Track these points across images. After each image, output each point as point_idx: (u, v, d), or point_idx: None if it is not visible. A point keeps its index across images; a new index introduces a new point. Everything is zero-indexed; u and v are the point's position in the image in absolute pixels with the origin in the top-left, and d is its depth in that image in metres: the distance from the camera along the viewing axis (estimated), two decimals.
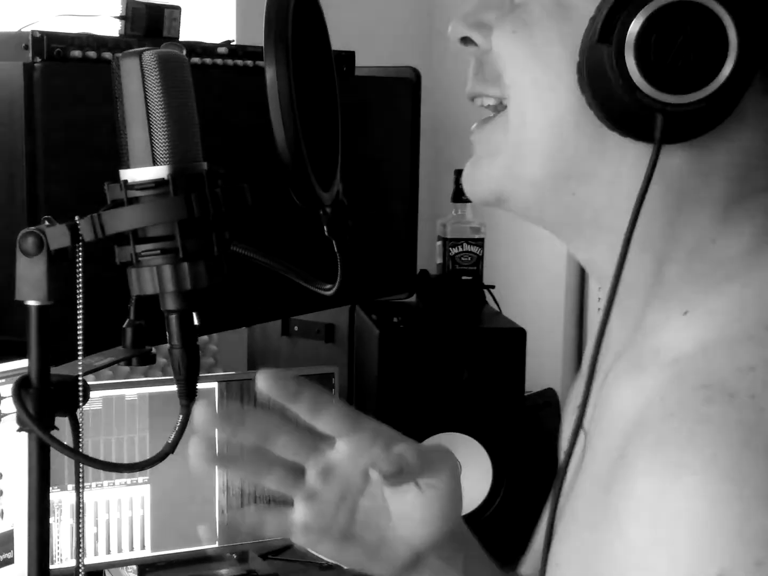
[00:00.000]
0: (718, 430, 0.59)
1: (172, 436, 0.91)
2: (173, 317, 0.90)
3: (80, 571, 0.93)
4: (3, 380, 1.48)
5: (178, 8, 1.54)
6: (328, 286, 1.05)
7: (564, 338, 2.38)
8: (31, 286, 0.90)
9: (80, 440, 0.93)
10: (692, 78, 0.64)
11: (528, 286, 2.47)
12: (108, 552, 1.78)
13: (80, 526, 0.95)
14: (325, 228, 0.98)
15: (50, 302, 0.91)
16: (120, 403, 1.76)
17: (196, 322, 0.91)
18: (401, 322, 1.97)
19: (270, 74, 0.86)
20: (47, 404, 0.92)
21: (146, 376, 1.90)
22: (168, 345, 0.92)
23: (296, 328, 2.18)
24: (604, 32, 0.65)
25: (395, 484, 0.87)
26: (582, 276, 2.35)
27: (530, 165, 0.73)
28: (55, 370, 0.94)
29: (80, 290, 0.91)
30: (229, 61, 1.58)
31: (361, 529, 0.89)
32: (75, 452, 0.92)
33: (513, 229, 2.37)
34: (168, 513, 1.81)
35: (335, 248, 1.01)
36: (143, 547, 1.80)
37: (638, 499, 0.61)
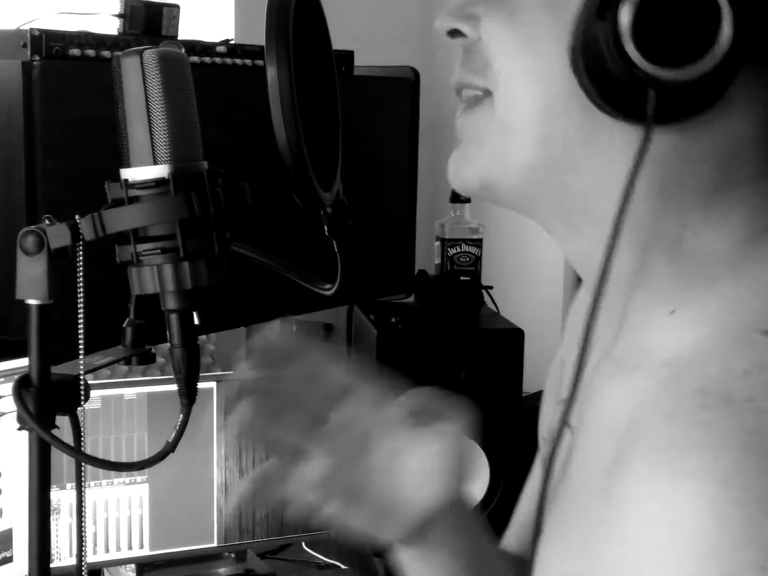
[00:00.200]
0: (717, 434, 0.59)
1: (173, 435, 0.91)
2: (174, 317, 0.90)
3: (83, 570, 0.93)
4: (2, 379, 1.48)
5: (176, 6, 1.54)
6: (328, 286, 1.05)
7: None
8: (31, 285, 0.90)
9: (82, 439, 0.93)
10: (687, 53, 0.64)
11: (526, 287, 2.47)
12: (107, 551, 1.78)
13: (82, 525, 0.95)
14: (325, 228, 0.98)
15: (50, 301, 0.91)
16: (119, 402, 1.76)
17: (196, 321, 0.91)
18: (399, 322, 1.97)
19: (271, 74, 0.86)
20: (48, 403, 0.92)
21: (145, 376, 1.90)
22: (167, 344, 0.92)
23: (295, 327, 2.18)
24: (602, 8, 0.65)
25: (410, 426, 0.85)
26: (580, 277, 2.35)
27: (519, 151, 0.73)
28: (54, 369, 0.94)
29: (81, 289, 0.91)
30: (228, 60, 1.58)
31: (370, 487, 0.86)
32: (76, 451, 0.92)
33: (511, 230, 2.37)
34: (166, 512, 1.81)
35: (335, 248, 1.01)
36: (142, 546, 1.80)
37: (639, 505, 0.60)
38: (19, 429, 0.92)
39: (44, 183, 1.33)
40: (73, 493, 1.67)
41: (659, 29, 0.64)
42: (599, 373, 0.75)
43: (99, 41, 1.39)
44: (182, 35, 1.56)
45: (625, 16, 0.64)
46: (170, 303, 0.89)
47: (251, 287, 1.55)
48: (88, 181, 1.20)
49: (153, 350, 1.04)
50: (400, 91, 1.94)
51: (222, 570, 1.91)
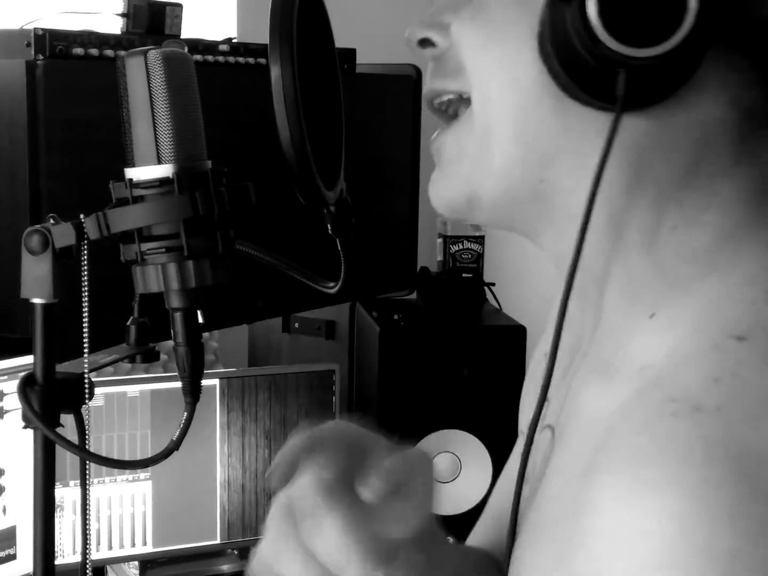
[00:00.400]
0: (683, 444, 0.58)
1: (177, 434, 0.91)
2: (178, 315, 0.90)
3: (87, 567, 0.94)
4: (6, 377, 1.49)
5: (179, 5, 1.54)
6: (332, 284, 1.05)
7: None
8: (36, 284, 0.90)
9: (87, 437, 0.94)
10: (654, 31, 0.64)
11: (528, 284, 2.47)
12: (110, 548, 1.79)
13: (86, 522, 0.96)
14: (329, 226, 0.98)
15: (55, 300, 0.91)
16: (122, 399, 1.76)
17: (200, 320, 0.91)
18: (402, 319, 1.97)
19: (275, 73, 0.86)
20: (52, 401, 0.92)
21: (148, 373, 1.90)
22: (170, 342, 0.92)
23: (297, 325, 2.19)
24: None
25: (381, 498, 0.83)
26: None
27: (498, 151, 0.72)
28: (59, 367, 0.95)
29: (85, 288, 0.91)
30: (231, 59, 1.58)
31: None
32: (81, 449, 0.93)
33: None
34: (169, 509, 1.82)
35: (339, 247, 1.01)
36: (145, 543, 1.81)
37: (604, 516, 0.60)
38: (24, 427, 0.93)
39: (48, 182, 1.33)
40: (77, 490, 1.67)
41: (625, 8, 0.64)
42: (580, 375, 0.75)
43: (102, 40, 1.40)
44: (185, 34, 1.56)
45: None
46: (174, 302, 0.90)
47: (254, 285, 1.55)
48: (91, 180, 1.20)
49: (156, 348, 1.04)
50: (402, 88, 1.94)
51: (225, 567, 1.92)
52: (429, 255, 2.20)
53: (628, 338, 0.70)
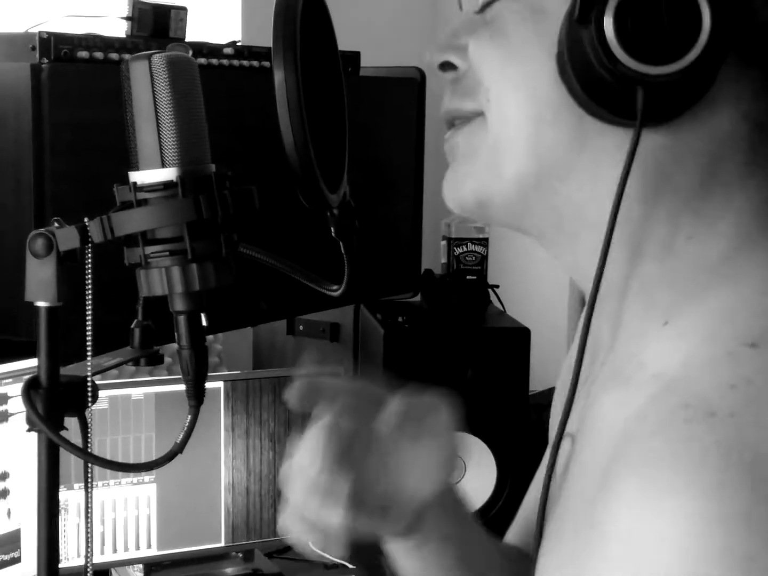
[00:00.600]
0: (698, 450, 0.59)
1: (181, 436, 0.91)
2: (182, 318, 0.90)
3: (88, 570, 0.94)
4: (10, 380, 1.49)
5: (184, 9, 1.55)
6: (335, 287, 1.06)
7: (568, 338, 2.38)
8: (40, 287, 0.90)
9: (89, 440, 0.94)
10: (670, 49, 0.65)
11: (532, 286, 2.48)
12: (114, 551, 1.79)
13: (89, 525, 0.96)
14: (332, 229, 0.99)
15: (59, 303, 0.91)
16: (126, 402, 1.77)
17: (204, 323, 0.91)
18: (406, 321, 1.97)
19: (278, 78, 0.87)
20: (56, 404, 0.92)
21: (152, 376, 1.90)
22: (174, 344, 0.92)
23: (301, 327, 2.19)
24: (583, 12, 0.67)
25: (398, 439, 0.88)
26: None
27: (512, 162, 0.74)
28: (63, 370, 0.95)
29: (89, 291, 0.92)
30: (235, 62, 1.58)
31: (370, 487, 0.87)
32: (84, 452, 0.93)
33: None
34: (174, 512, 1.82)
35: (342, 249, 1.01)
36: (149, 546, 1.81)
37: (621, 520, 0.60)
38: (29, 431, 0.93)
39: (52, 185, 1.34)
40: (81, 492, 1.67)
41: (641, 28, 0.66)
42: (598, 383, 0.75)
43: (107, 44, 1.40)
44: (189, 37, 1.56)
45: (608, 18, 0.66)
46: (178, 305, 0.90)
47: (258, 287, 1.55)
48: (96, 183, 1.20)
49: (161, 351, 1.04)
50: (407, 91, 1.94)
51: (229, 570, 1.92)
52: (433, 257, 2.20)
53: (641, 346, 0.71)
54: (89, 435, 0.95)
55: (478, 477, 1.94)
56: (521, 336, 1.96)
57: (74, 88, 1.36)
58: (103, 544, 1.78)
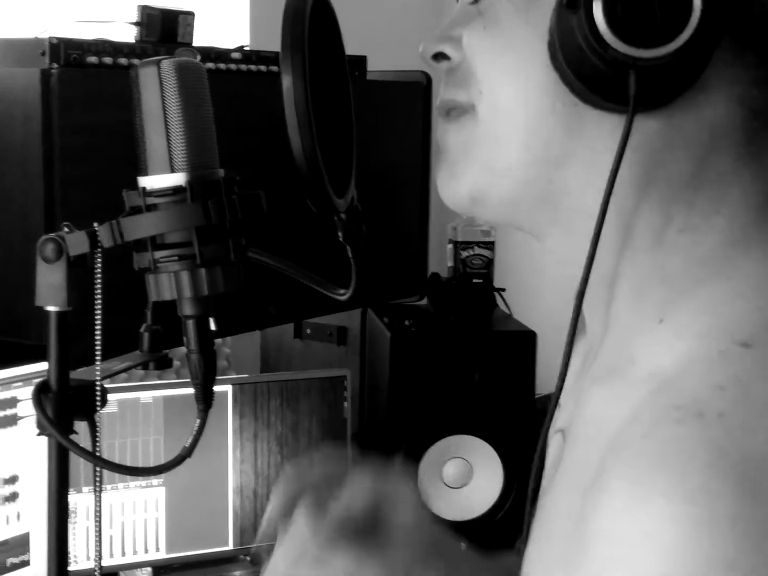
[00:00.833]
0: (686, 450, 0.59)
1: (190, 440, 0.92)
2: (190, 323, 0.91)
3: (97, 573, 0.95)
4: (20, 383, 1.50)
5: (192, 14, 1.55)
6: (343, 291, 1.06)
7: None
8: (50, 292, 0.91)
9: (98, 444, 0.94)
10: (661, 31, 0.65)
11: (538, 289, 2.48)
12: (123, 554, 1.79)
13: (98, 528, 0.96)
14: (339, 234, 0.99)
15: (69, 308, 0.92)
16: (135, 405, 1.77)
17: (213, 327, 0.92)
18: (413, 325, 1.98)
19: (286, 83, 0.87)
20: (66, 409, 0.93)
21: (161, 379, 1.91)
22: (183, 348, 0.93)
23: (308, 330, 2.19)
24: None
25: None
26: None
27: (507, 154, 0.74)
28: (72, 375, 0.96)
29: (99, 295, 0.92)
30: (243, 66, 1.59)
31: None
32: (94, 456, 0.93)
33: (524, 233, 2.37)
34: (182, 515, 1.82)
35: (350, 254, 1.02)
36: (158, 549, 1.82)
37: (607, 518, 0.61)
38: (39, 435, 0.93)
39: (62, 190, 1.34)
40: (90, 496, 1.68)
41: (631, 11, 0.65)
42: (587, 377, 0.76)
43: (116, 49, 1.41)
44: (197, 42, 1.57)
45: (597, 3, 0.65)
46: (187, 309, 0.90)
47: (266, 291, 1.56)
48: (105, 188, 1.21)
49: (169, 355, 1.05)
50: (413, 95, 1.95)
51: (237, 573, 1.92)
52: (439, 261, 2.20)
53: (635, 342, 0.71)
54: (98, 439, 0.95)
55: (485, 480, 1.94)
56: (528, 339, 1.96)
57: (84, 93, 1.37)
58: (111, 547, 1.78)
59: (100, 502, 0.96)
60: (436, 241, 2.11)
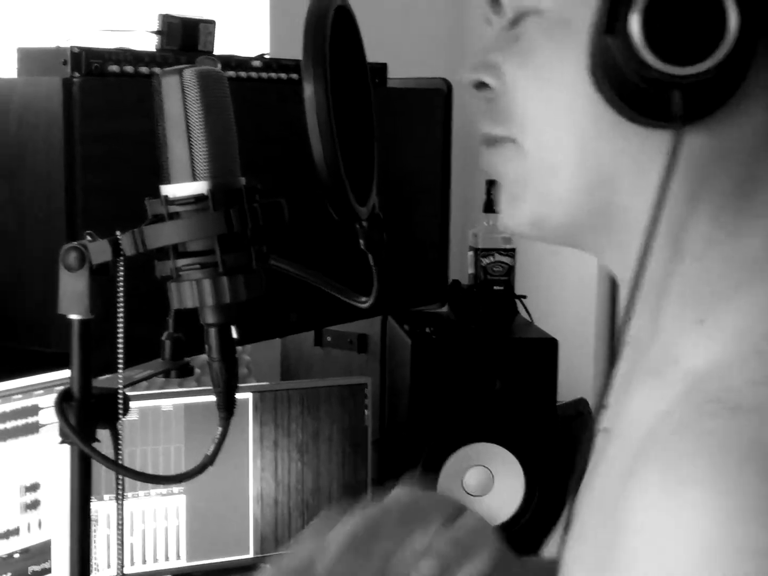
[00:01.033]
0: (720, 443, 0.60)
1: (212, 449, 0.92)
2: (212, 330, 0.91)
3: None
4: (42, 391, 1.50)
5: (212, 22, 1.56)
6: (364, 299, 1.06)
7: (596, 348, 2.37)
8: (73, 300, 0.91)
9: (120, 452, 0.95)
10: (700, 47, 0.66)
11: (559, 296, 2.47)
12: (144, 562, 1.79)
13: (120, 536, 0.96)
14: (361, 242, 0.99)
15: (92, 316, 0.92)
16: (156, 413, 1.77)
17: (234, 335, 0.92)
18: (433, 332, 1.97)
19: (308, 92, 0.87)
20: (89, 417, 0.93)
21: (181, 387, 1.91)
22: (204, 356, 0.93)
23: (329, 338, 2.19)
24: (610, 22, 0.67)
25: None
26: (613, 286, 2.35)
27: (559, 183, 0.75)
28: (94, 383, 0.96)
29: (121, 304, 0.92)
30: (264, 74, 1.59)
31: None
32: (117, 464, 0.93)
33: None
34: (203, 523, 1.82)
35: (371, 262, 1.02)
36: (179, 557, 1.82)
37: (641, 511, 0.61)
38: (61, 443, 0.93)
39: (84, 198, 1.35)
40: (111, 504, 1.68)
41: (669, 30, 0.66)
42: (633, 379, 0.76)
43: (137, 58, 1.41)
44: (218, 50, 1.57)
45: (635, 25, 0.66)
46: (209, 317, 0.90)
47: (287, 299, 1.56)
48: (126, 196, 1.21)
49: (191, 363, 1.05)
50: (433, 102, 1.95)
51: None
52: (460, 268, 2.20)
53: (676, 343, 0.72)
54: (120, 447, 0.95)
55: (506, 488, 1.94)
56: (549, 347, 1.96)
57: (105, 102, 1.37)
58: (132, 554, 1.78)
59: (122, 510, 0.96)
60: (456, 248, 2.11)
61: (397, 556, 0.89)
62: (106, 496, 1.70)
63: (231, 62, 1.54)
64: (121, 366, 0.94)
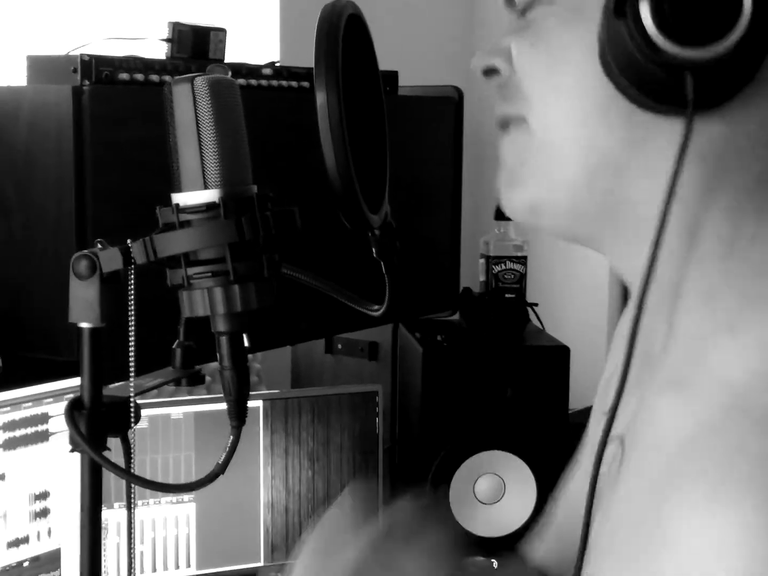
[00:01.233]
0: (754, 460, 0.59)
1: (223, 457, 0.91)
2: (224, 339, 0.90)
3: None
4: (51, 399, 1.50)
5: (223, 30, 1.56)
6: (376, 307, 1.06)
7: (607, 356, 2.37)
8: (84, 308, 0.91)
9: (132, 461, 0.94)
10: (713, 28, 0.64)
11: (571, 304, 2.47)
12: (154, 570, 1.79)
13: (131, 544, 0.96)
14: (373, 250, 0.99)
15: (103, 324, 0.92)
16: (166, 421, 1.77)
17: (246, 343, 0.91)
18: (445, 340, 1.97)
19: (320, 99, 0.87)
20: (99, 425, 0.93)
21: (191, 395, 1.91)
22: (214, 363, 0.93)
23: (340, 346, 2.19)
24: (619, 5, 0.66)
25: None
26: (625, 293, 2.34)
27: (563, 165, 0.73)
28: (105, 391, 0.95)
29: (132, 312, 0.92)
30: (274, 82, 1.59)
31: None
32: (128, 473, 0.93)
33: (556, 247, 2.37)
34: (213, 531, 1.82)
35: (384, 270, 1.01)
36: (189, 565, 1.81)
37: (681, 527, 0.61)
38: (72, 451, 0.93)
39: (94, 206, 1.35)
40: (121, 512, 1.68)
41: (680, 12, 0.64)
42: (653, 387, 0.75)
43: (147, 66, 1.41)
44: (229, 58, 1.57)
45: (644, 6, 0.64)
46: (221, 325, 0.90)
47: (297, 306, 1.56)
48: (137, 205, 1.21)
49: (202, 371, 1.05)
50: (444, 110, 1.94)
51: None
52: (471, 276, 2.19)
53: (705, 351, 0.69)
54: (132, 456, 0.95)
55: (518, 496, 1.93)
56: (561, 354, 1.95)
57: (115, 110, 1.37)
58: (142, 563, 1.78)
59: (133, 518, 0.96)
60: (468, 255, 2.10)
61: None
62: (116, 504, 1.70)
63: (242, 70, 1.54)
64: (132, 374, 0.93)
